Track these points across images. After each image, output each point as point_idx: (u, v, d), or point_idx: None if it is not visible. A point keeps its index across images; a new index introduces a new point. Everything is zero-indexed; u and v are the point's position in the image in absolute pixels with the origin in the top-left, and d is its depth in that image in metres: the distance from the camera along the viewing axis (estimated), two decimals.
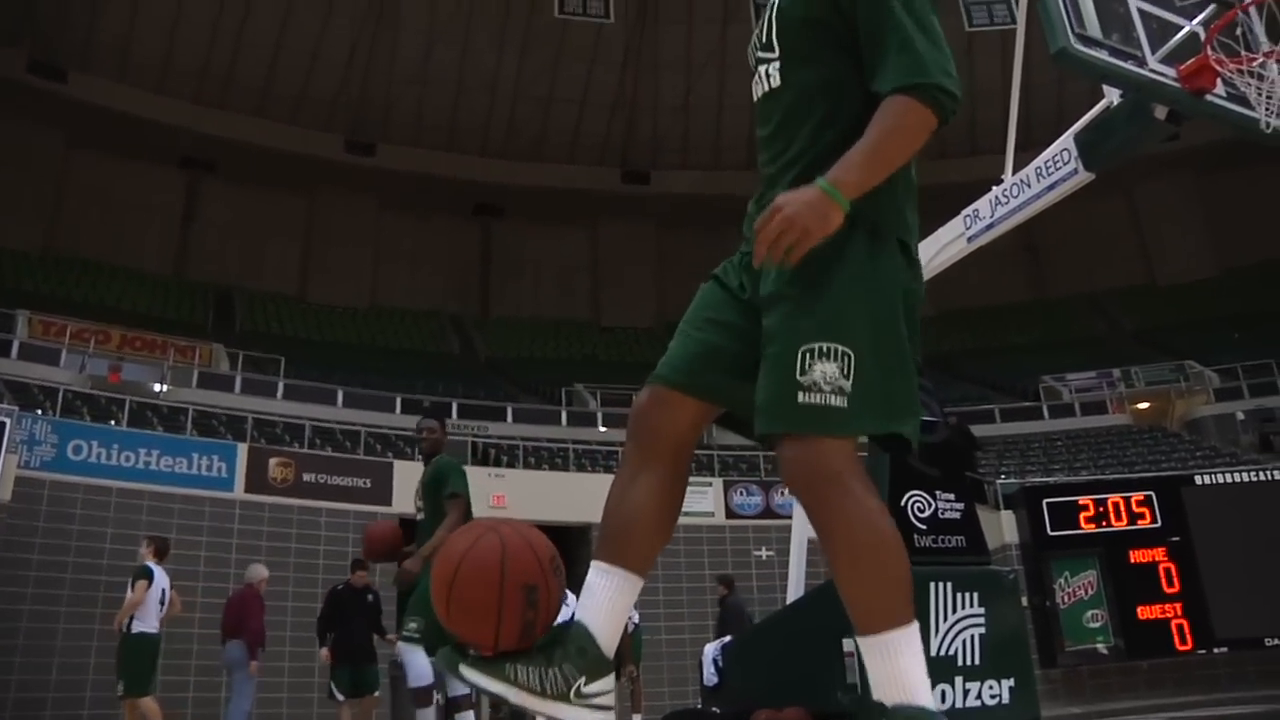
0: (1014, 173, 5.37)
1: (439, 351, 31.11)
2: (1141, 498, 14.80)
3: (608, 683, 1.85)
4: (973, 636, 3.80)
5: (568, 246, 34.77)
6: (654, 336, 31.73)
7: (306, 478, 16.00)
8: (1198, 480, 15.25)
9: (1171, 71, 4.44)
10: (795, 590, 5.05)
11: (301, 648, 12.65)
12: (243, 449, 16.08)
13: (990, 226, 5.49)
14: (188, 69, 30.21)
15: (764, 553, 17.42)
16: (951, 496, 4.10)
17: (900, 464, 3.89)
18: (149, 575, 8.66)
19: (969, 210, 5.63)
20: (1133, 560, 14.38)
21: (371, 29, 30.70)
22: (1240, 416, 23.22)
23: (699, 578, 16.57)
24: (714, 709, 4.29)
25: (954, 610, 3.79)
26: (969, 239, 5.60)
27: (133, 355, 21.93)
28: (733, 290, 1.99)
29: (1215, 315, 29.14)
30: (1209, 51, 4.40)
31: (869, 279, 1.83)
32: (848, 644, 3.47)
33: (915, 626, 1.76)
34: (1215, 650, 14.06)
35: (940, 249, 5.70)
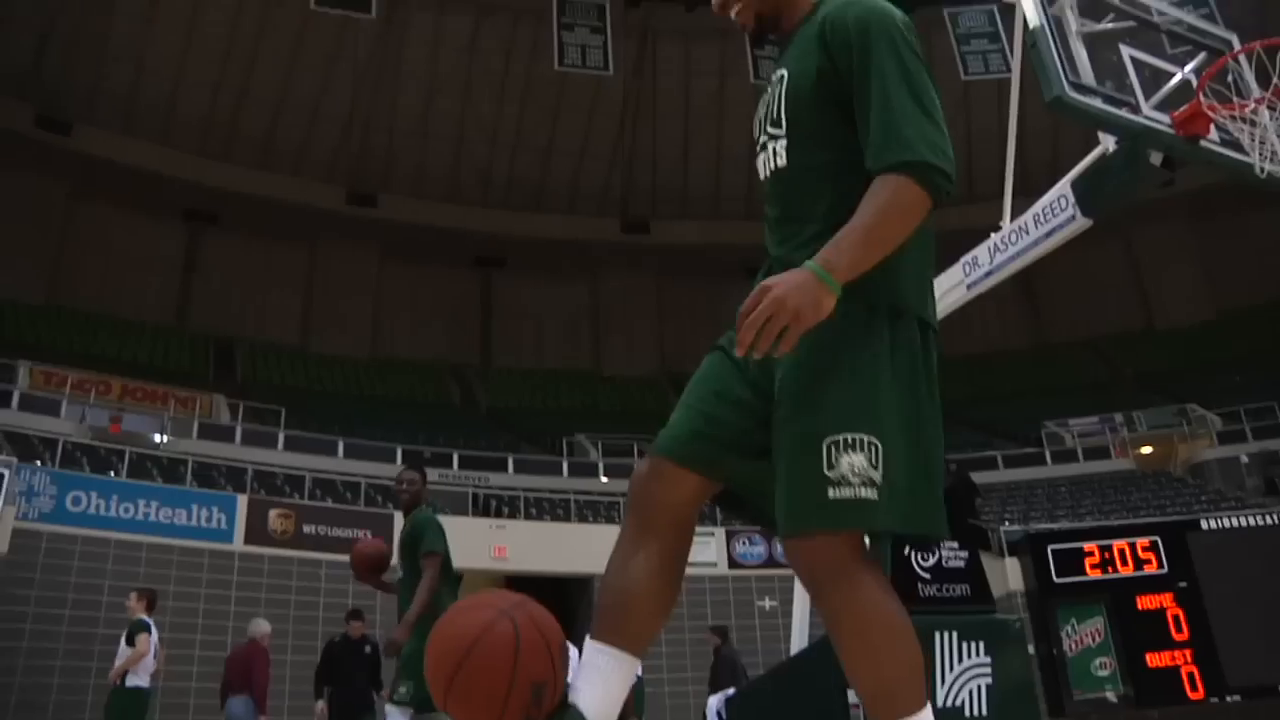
0: (1012, 219, 5.39)
1: (440, 402, 31.08)
2: (1147, 543, 14.55)
3: None
4: (979, 687, 3.75)
5: (568, 296, 34.90)
6: (655, 386, 31.74)
7: (307, 529, 15.94)
8: (1204, 525, 15.13)
9: (1165, 118, 4.49)
10: (799, 641, 4.99)
11: (301, 701, 12.48)
12: (243, 500, 16.05)
13: (989, 274, 5.50)
14: (191, 122, 30.54)
15: (768, 603, 17.24)
16: (955, 545, 4.07)
17: None
18: (148, 629, 8.57)
19: (968, 258, 5.64)
20: (1140, 607, 14.18)
21: (373, 81, 31.07)
22: (1244, 460, 23.12)
23: (702, 629, 16.34)
24: None
25: (960, 660, 3.74)
26: (968, 286, 5.61)
27: (133, 406, 21.93)
28: (738, 363, 1.89)
29: (1215, 358, 29.19)
30: (1201, 98, 4.45)
31: (890, 364, 1.75)
32: (852, 695, 3.42)
33: (928, 710, 1.72)
34: (1228, 698, 13.87)
35: (940, 296, 5.70)
